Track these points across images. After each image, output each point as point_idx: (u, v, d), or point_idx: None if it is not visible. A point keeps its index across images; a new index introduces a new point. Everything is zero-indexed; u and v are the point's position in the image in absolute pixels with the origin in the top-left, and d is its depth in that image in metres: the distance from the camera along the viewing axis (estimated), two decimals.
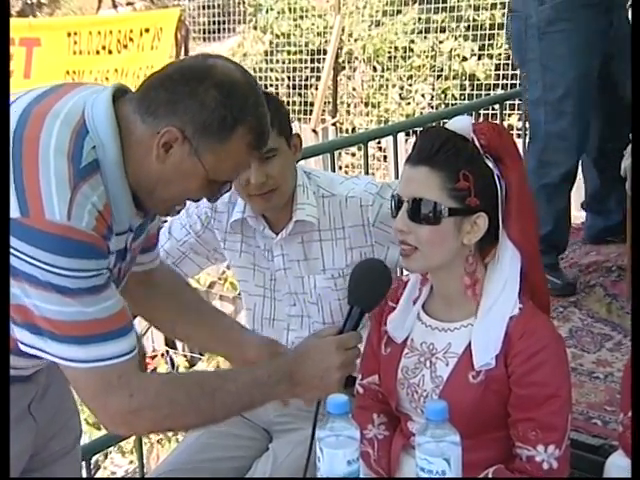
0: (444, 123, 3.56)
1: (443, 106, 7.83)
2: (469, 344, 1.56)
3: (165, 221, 2.09)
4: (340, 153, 7.38)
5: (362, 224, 2.01)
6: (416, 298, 1.67)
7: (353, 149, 7.24)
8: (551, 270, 2.83)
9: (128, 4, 11.59)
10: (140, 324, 6.11)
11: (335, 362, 1.42)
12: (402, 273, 2.08)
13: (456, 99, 7.91)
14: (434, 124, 3.19)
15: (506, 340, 1.53)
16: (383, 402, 1.71)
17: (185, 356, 6.43)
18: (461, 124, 1.57)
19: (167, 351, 6.43)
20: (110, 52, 7.80)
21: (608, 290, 2.96)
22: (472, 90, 7.68)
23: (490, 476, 1.54)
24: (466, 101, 7.40)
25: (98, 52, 7.85)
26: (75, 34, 7.97)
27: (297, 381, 1.43)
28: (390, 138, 3.28)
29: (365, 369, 1.76)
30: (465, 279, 1.58)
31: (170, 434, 4.72)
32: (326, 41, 8.96)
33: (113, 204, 1.35)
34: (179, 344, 6.50)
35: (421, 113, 7.89)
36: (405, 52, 8.47)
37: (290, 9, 9.41)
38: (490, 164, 1.54)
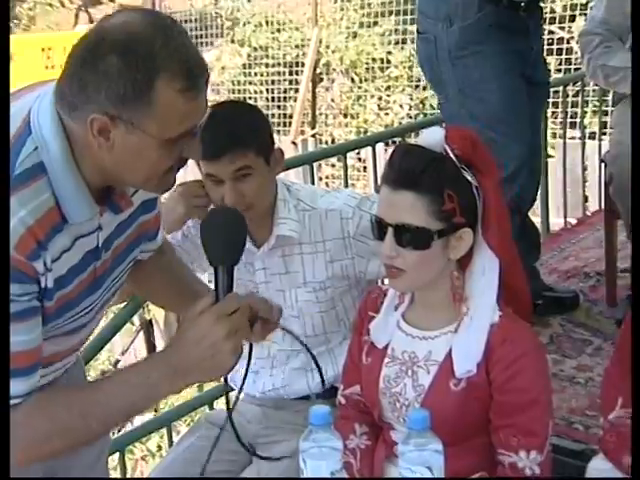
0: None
1: (422, 116, 7.84)
2: (450, 352, 1.56)
3: None
4: (320, 164, 7.39)
5: (342, 237, 2.01)
6: (397, 306, 1.67)
7: (333, 160, 7.24)
8: None
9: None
10: (121, 342, 6.11)
11: (220, 334, 1.26)
12: (383, 282, 2.09)
13: (434, 109, 7.85)
14: (407, 140, 3.18)
15: (487, 347, 1.54)
16: (365, 412, 1.71)
17: None
18: (433, 137, 1.56)
19: None
20: None
21: (587, 295, 2.98)
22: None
23: None
24: None
25: None
26: (49, 49, 7.93)
27: (185, 371, 1.29)
28: (369, 149, 3.30)
29: (347, 380, 1.76)
30: (450, 291, 1.58)
31: (154, 450, 4.70)
32: (304, 53, 8.98)
33: (67, 205, 1.29)
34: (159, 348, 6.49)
35: (400, 123, 7.90)
36: (382, 63, 8.48)
37: (267, 22, 9.43)
38: (468, 176, 1.54)
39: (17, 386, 1.25)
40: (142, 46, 1.22)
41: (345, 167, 3.16)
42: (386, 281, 1.86)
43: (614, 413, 1.61)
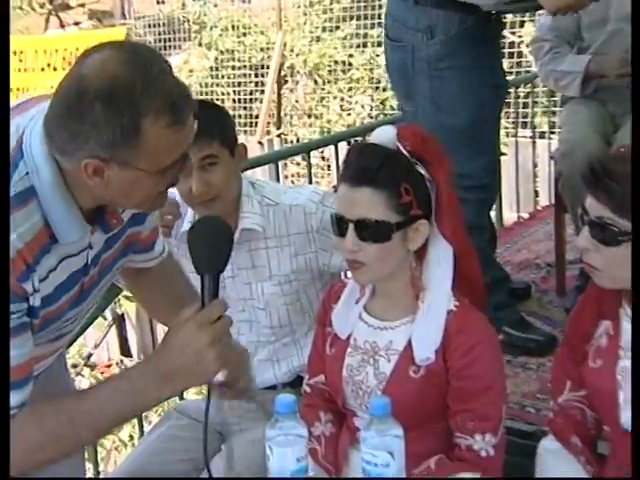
0: None
1: (382, 116, 7.86)
2: (409, 341, 1.56)
3: None
4: (286, 163, 7.38)
5: (306, 231, 2.00)
6: (358, 299, 1.67)
7: (298, 159, 7.24)
8: None
9: (75, 24, 11.41)
10: (94, 335, 6.04)
11: (203, 342, 1.25)
12: (346, 275, 2.09)
13: (394, 109, 7.90)
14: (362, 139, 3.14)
15: (445, 336, 1.54)
16: (329, 400, 1.71)
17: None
18: (385, 135, 1.56)
19: (122, 360, 6.34)
20: (55, 69, 7.65)
21: (538, 286, 3.01)
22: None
23: (432, 465, 1.54)
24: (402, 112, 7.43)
25: (43, 69, 7.70)
26: (21, 52, 7.83)
27: (171, 377, 1.27)
28: (332, 147, 3.29)
29: (311, 369, 1.76)
30: (408, 282, 1.58)
31: (126, 440, 4.65)
32: (269, 56, 8.97)
33: (58, 227, 1.28)
34: (134, 352, 6.42)
35: (362, 123, 7.92)
36: (344, 65, 8.52)
37: (233, 26, 9.41)
38: (421, 170, 1.55)
39: (17, 396, 1.25)
40: (124, 92, 1.20)
41: (309, 165, 3.16)
42: (349, 274, 1.86)
43: (563, 396, 1.62)
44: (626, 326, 1.52)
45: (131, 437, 4.55)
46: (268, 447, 1.26)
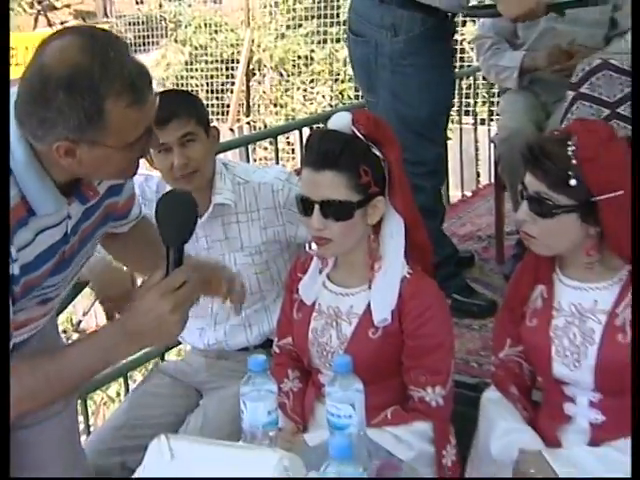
0: None
1: (340, 104, 7.82)
2: (368, 305, 1.56)
3: None
4: (255, 148, 7.32)
5: (274, 206, 1.98)
6: (321, 269, 1.65)
7: (265, 144, 7.19)
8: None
9: (62, 23, 11.23)
10: (82, 303, 5.95)
11: (165, 309, 1.22)
12: (310, 247, 2.07)
13: (351, 99, 7.95)
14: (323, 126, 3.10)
15: (399, 301, 1.54)
16: (296, 359, 1.70)
17: None
18: (342, 120, 1.54)
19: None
20: None
21: (481, 255, 3.01)
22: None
23: (389, 415, 1.55)
24: (360, 100, 7.44)
25: None
26: (13, 49, 7.74)
27: (136, 337, 1.25)
28: (297, 133, 3.25)
29: (280, 332, 1.75)
30: (367, 253, 1.57)
31: (114, 396, 4.62)
32: (238, 52, 8.90)
33: (35, 201, 1.24)
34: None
35: (323, 111, 7.86)
36: (307, 60, 8.48)
37: (206, 24, 9.30)
38: (376, 151, 1.53)
39: None
40: (84, 77, 1.15)
41: (276, 149, 3.12)
42: (314, 245, 1.84)
43: (503, 352, 1.63)
44: (558, 289, 1.53)
45: (118, 394, 4.52)
46: (242, 402, 1.24)
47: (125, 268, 1.80)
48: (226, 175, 1.99)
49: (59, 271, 1.36)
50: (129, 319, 1.26)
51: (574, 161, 1.38)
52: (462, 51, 7.02)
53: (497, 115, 2.95)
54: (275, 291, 2.05)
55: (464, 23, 7.02)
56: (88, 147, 1.20)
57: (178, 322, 1.24)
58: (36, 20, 11.30)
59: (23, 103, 1.19)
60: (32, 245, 1.26)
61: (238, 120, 8.70)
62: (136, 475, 1.17)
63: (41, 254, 1.29)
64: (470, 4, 2.42)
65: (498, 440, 1.53)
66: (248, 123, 8.72)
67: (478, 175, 4.76)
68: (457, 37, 6.95)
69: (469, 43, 6.87)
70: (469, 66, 6.20)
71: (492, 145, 3.06)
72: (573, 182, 1.38)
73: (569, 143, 1.40)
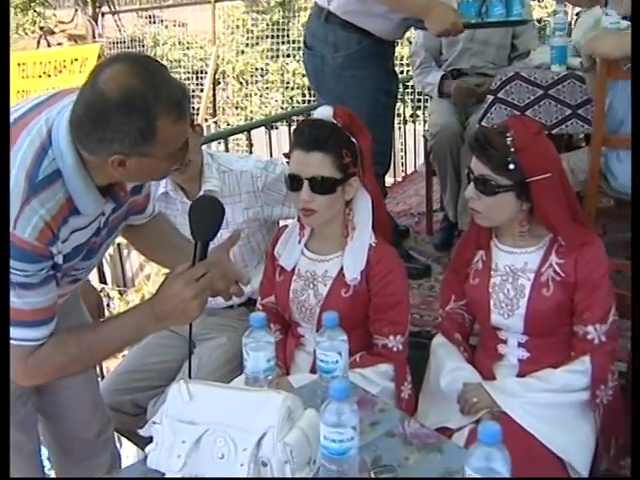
0: (291, 119, 3.42)
1: (290, 108, 7.76)
2: (341, 269, 1.50)
3: None
4: (220, 142, 7.17)
5: (253, 191, 1.90)
6: (300, 239, 1.58)
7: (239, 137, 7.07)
8: None
9: (58, 44, 11.04)
10: None
11: (188, 295, 1.18)
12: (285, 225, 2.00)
13: (299, 103, 7.90)
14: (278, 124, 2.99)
15: (367, 265, 1.49)
16: (278, 315, 1.63)
17: (118, 290, 6.08)
18: (325, 112, 1.48)
19: (103, 288, 6.04)
20: (49, 76, 7.43)
21: (414, 228, 2.98)
22: (310, 97, 7.64)
23: (357, 359, 1.50)
24: (306, 105, 7.39)
25: (40, 76, 7.49)
26: (24, 64, 7.55)
27: (162, 317, 1.20)
28: (254, 131, 3.14)
29: (264, 292, 1.67)
30: (341, 224, 1.51)
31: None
32: (206, 65, 8.75)
33: (79, 200, 1.16)
34: (109, 279, 6.14)
35: (276, 112, 7.79)
36: (262, 71, 8.42)
37: (179, 42, 9.16)
38: (353, 139, 1.47)
39: (42, 331, 1.17)
40: (139, 100, 1.07)
41: (250, 141, 3.02)
42: (286, 222, 1.77)
43: (449, 306, 1.60)
44: (495, 254, 1.50)
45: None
46: (245, 352, 1.17)
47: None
48: (212, 164, 1.90)
49: (88, 257, 1.29)
50: (157, 302, 1.21)
51: (512, 149, 1.35)
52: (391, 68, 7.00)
53: (428, 115, 2.90)
54: (256, 259, 1.97)
55: (394, 45, 6.99)
56: (137, 158, 1.12)
57: (199, 307, 1.20)
58: (38, 42, 11.13)
59: (82, 124, 1.09)
60: (68, 241, 1.19)
61: (206, 120, 8.50)
62: (158, 413, 1.10)
63: (77, 246, 1.22)
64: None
65: (446, 376, 1.50)
66: (215, 122, 8.56)
67: (404, 165, 4.72)
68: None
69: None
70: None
71: (422, 139, 3.01)
72: (512, 166, 1.35)
73: (507, 135, 1.36)
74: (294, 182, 1.46)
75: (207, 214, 1.25)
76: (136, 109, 1.07)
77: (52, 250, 1.14)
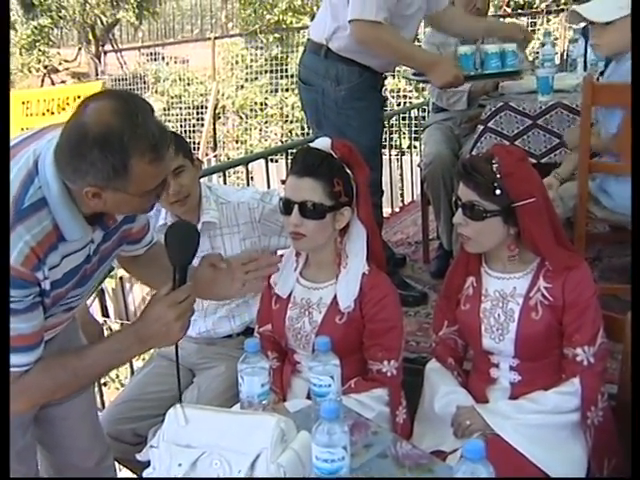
0: (291, 153, 3.49)
1: (290, 140, 7.86)
2: (335, 296, 1.53)
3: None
4: (225, 173, 7.25)
5: (251, 222, 1.94)
6: (295, 267, 1.62)
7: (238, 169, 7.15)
8: None
9: (62, 82, 11.26)
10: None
11: (170, 317, 1.20)
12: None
13: (298, 136, 8.00)
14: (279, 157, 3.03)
15: (361, 292, 1.52)
16: (275, 343, 1.66)
17: (120, 323, 6.10)
18: (324, 143, 1.53)
19: (105, 321, 6.06)
20: (52, 113, 7.54)
21: (410, 257, 3.02)
22: (310, 129, 7.73)
23: (352, 385, 1.53)
24: (305, 137, 7.47)
25: (44, 114, 7.60)
26: (28, 102, 7.70)
27: (146, 339, 1.23)
28: (253, 163, 3.20)
29: (260, 321, 1.70)
30: (334, 252, 1.55)
31: (114, 377, 4.47)
32: (207, 100, 8.89)
33: (64, 227, 1.19)
34: (111, 313, 6.16)
35: (275, 145, 7.87)
36: (262, 105, 8.52)
37: (180, 78, 9.29)
38: (348, 170, 1.52)
39: (27, 357, 1.18)
40: (115, 138, 1.10)
41: (247, 173, 3.09)
42: (282, 251, 1.82)
43: (442, 331, 1.63)
44: (485, 279, 1.54)
45: (117, 375, 4.37)
46: (240, 377, 1.20)
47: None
48: (210, 197, 1.95)
49: (81, 285, 1.31)
50: (141, 325, 1.23)
51: (498, 175, 1.40)
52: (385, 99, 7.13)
53: (423, 145, 2.97)
54: None
55: (386, 77, 7.14)
56: (112, 193, 1.15)
57: (181, 329, 1.22)
58: (42, 80, 11.32)
59: (62, 153, 1.14)
60: (60, 266, 1.21)
61: (207, 154, 8.61)
62: (155, 437, 1.12)
63: (67, 273, 1.24)
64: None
65: (440, 400, 1.53)
66: (215, 156, 8.65)
67: (402, 195, 4.79)
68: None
69: (390, 92, 6.98)
70: (391, 110, 6.28)
71: (418, 169, 3.07)
72: (498, 191, 1.39)
73: (493, 162, 1.41)
74: (286, 206, 1.50)
75: (183, 239, 1.27)
76: (111, 146, 1.10)
77: (38, 276, 1.15)
